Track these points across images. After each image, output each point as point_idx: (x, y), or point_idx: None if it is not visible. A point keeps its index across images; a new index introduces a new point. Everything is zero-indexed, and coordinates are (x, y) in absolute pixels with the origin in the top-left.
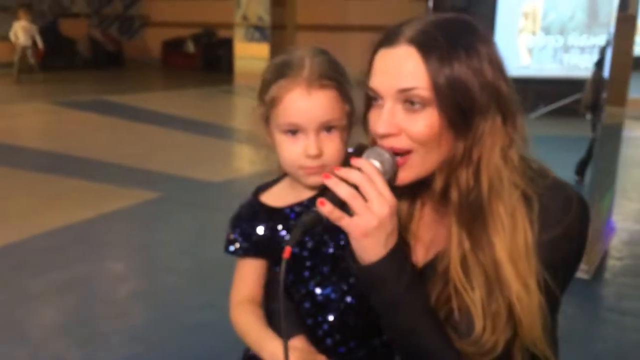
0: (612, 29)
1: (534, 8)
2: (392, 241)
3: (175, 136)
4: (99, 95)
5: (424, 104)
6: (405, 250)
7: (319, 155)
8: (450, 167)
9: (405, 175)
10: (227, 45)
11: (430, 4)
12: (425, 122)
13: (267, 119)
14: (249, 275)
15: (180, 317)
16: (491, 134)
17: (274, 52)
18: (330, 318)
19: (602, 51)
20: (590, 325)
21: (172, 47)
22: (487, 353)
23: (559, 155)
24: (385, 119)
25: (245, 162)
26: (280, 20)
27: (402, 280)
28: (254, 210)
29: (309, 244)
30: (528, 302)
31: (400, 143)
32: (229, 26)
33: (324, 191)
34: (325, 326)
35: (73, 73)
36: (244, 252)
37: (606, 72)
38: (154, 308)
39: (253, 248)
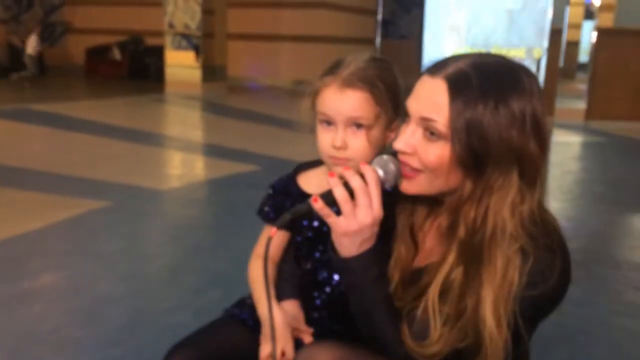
0: (545, 42)
1: (458, 23)
2: (366, 245)
3: (112, 145)
4: (23, 104)
5: (440, 136)
6: (405, 252)
7: (343, 148)
8: (458, 202)
9: (410, 188)
10: (156, 53)
11: (380, 17)
12: (437, 152)
13: (313, 107)
14: (274, 240)
15: (152, 321)
16: (503, 187)
17: (204, 60)
18: (328, 290)
19: (537, 64)
20: None
21: (97, 54)
22: (427, 357)
23: None
24: (405, 138)
25: (184, 169)
26: (209, 28)
27: (367, 276)
28: (289, 189)
29: (324, 228)
30: (497, 339)
31: (413, 162)
32: (157, 34)
33: (298, 199)
34: (318, 302)
35: None
36: (271, 222)
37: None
38: (124, 313)
39: (288, 225)
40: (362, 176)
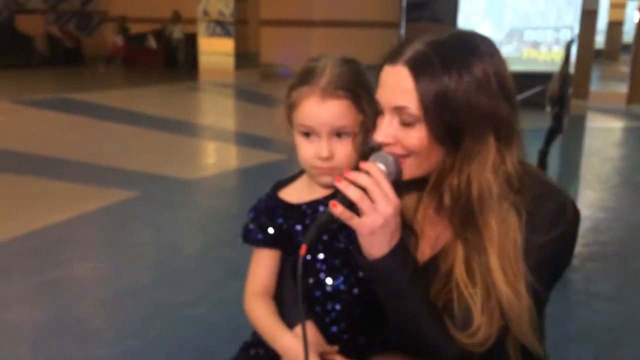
0: (576, 25)
1: (492, 6)
2: (395, 238)
3: (145, 134)
4: (60, 93)
5: (415, 120)
6: (408, 245)
7: (329, 158)
8: (440, 177)
9: (406, 173)
10: (191, 40)
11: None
12: (416, 135)
13: (289, 119)
14: (264, 264)
15: (173, 312)
16: (482, 152)
17: (238, 47)
18: (338, 307)
19: (568, 46)
20: (562, 308)
21: (133, 43)
22: (480, 345)
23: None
24: (383, 129)
25: (217, 159)
26: (242, 14)
27: (404, 273)
28: (272, 205)
29: (324, 237)
30: (517, 305)
31: (398, 150)
32: (191, 21)
33: (336, 193)
34: (333, 314)
35: (31, 71)
36: (260, 243)
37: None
38: (146, 304)
39: (269, 240)
40: (366, 173)
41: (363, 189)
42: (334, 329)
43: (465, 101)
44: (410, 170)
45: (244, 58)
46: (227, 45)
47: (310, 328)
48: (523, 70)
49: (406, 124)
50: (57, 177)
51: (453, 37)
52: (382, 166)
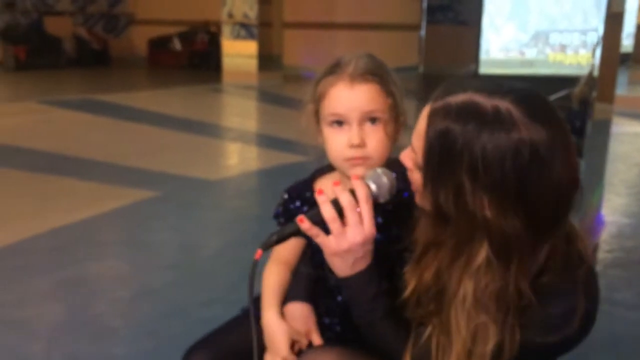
0: (600, 27)
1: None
2: (360, 265)
3: (169, 135)
4: (87, 94)
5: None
6: (374, 273)
7: (361, 145)
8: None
9: (423, 201)
10: (214, 43)
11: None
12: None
13: (316, 115)
14: (290, 244)
15: (188, 313)
16: (468, 253)
17: (261, 49)
18: (339, 299)
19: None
20: None
21: (158, 45)
22: None
23: None
24: (408, 154)
25: (239, 160)
26: (266, 17)
27: (363, 295)
28: (305, 194)
29: None
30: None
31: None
32: (216, 24)
33: (313, 205)
34: (330, 308)
35: (59, 72)
36: (266, 248)
37: (595, 71)
38: (162, 304)
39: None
40: (353, 192)
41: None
42: (326, 320)
43: (461, 198)
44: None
45: (268, 60)
46: (250, 47)
47: (303, 308)
48: (549, 73)
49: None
50: (80, 176)
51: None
52: (373, 186)
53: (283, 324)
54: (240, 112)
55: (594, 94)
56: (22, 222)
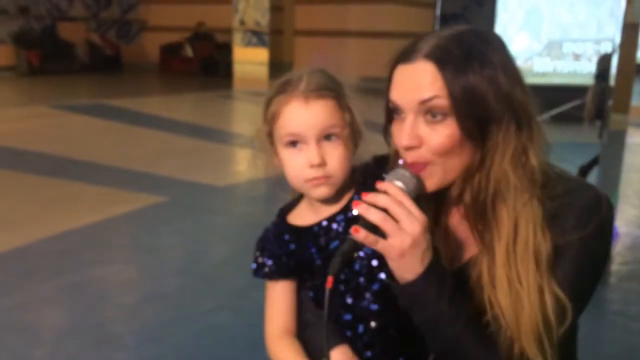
0: (617, 37)
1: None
2: (428, 257)
3: (178, 141)
4: (98, 99)
5: (445, 114)
6: (442, 263)
7: (322, 164)
8: (467, 174)
9: (430, 184)
10: (225, 49)
11: (438, 11)
12: (446, 132)
13: (270, 136)
14: (281, 300)
15: (193, 319)
16: (504, 141)
17: (272, 57)
18: (371, 326)
19: (602, 61)
20: (598, 330)
21: (170, 51)
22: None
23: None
24: (408, 131)
25: (247, 166)
26: (278, 25)
27: (443, 294)
28: (282, 231)
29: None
30: (516, 311)
31: (422, 156)
32: (227, 31)
33: (355, 218)
34: (366, 338)
35: (71, 77)
36: (275, 275)
37: (611, 80)
38: (166, 310)
39: (284, 269)
40: (385, 193)
41: (385, 210)
42: (368, 353)
43: (490, 92)
44: (437, 177)
45: (278, 68)
46: (261, 54)
47: (345, 351)
48: (561, 83)
49: (432, 121)
50: (89, 180)
51: (467, 31)
52: (399, 184)
53: None
54: (249, 118)
55: (610, 103)
56: (28, 225)
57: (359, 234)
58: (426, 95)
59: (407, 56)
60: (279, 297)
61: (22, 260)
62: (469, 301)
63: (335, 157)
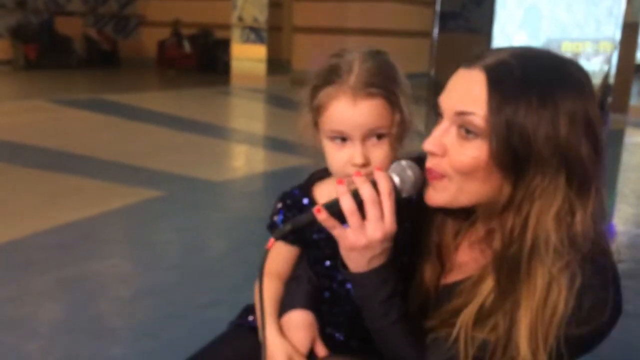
0: (617, 36)
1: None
2: (377, 262)
3: (176, 136)
4: (96, 94)
5: (477, 133)
6: (391, 271)
7: (365, 164)
8: (494, 209)
9: (436, 197)
10: (224, 46)
11: (438, 7)
12: (473, 153)
13: (315, 124)
14: (282, 255)
15: (189, 314)
16: (548, 193)
17: (270, 53)
18: (346, 309)
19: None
20: None
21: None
22: None
23: None
24: (436, 136)
25: (244, 161)
26: (276, 21)
27: (377, 296)
28: (302, 202)
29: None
30: None
31: (441, 166)
32: (226, 27)
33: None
34: (341, 318)
35: (69, 71)
36: (282, 239)
37: (610, 79)
38: (163, 305)
39: (292, 236)
40: (374, 184)
41: (361, 202)
42: (328, 330)
43: (540, 132)
44: (448, 193)
45: (276, 64)
46: (259, 51)
47: (305, 315)
48: None
49: (464, 136)
50: (86, 174)
51: (546, 57)
52: (396, 179)
53: (285, 343)
54: (247, 114)
55: (609, 100)
56: (26, 218)
57: (320, 214)
58: (465, 107)
59: (470, 61)
60: (282, 253)
61: (18, 253)
62: (438, 313)
63: (380, 156)
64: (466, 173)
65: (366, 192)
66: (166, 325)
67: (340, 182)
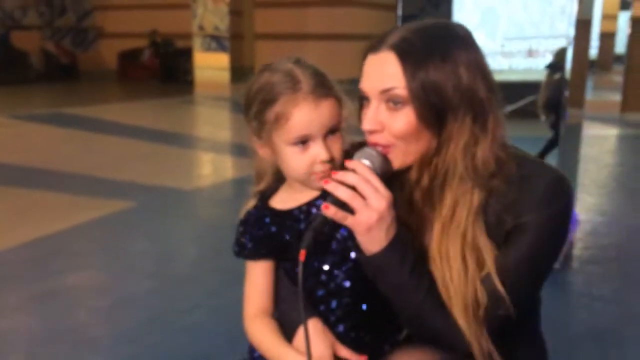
0: (571, 33)
1: (486, 18)
2: (392, 231)
3: (140, 146)
4: (55, 108)
5: (403, 102)
6: (406, 237)
7: (331, 159)
8: (425, 158)
9: (394, 163)
10: (185, 55)
11: (400, 12)
12: (404, 119)
13: (262, 135)
14: (260, 281)
15: (169, 320)
16: (458, 132)
17: (233, 61)
18: (343, 303)
19: (558, 54)
20: (563, 311)
21: (129, 58)
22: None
23: None
24: (370, 117)
25: (212, 169)
26: (238, 29)
27: (405, 265)
28: (263, 215)
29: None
30: (443, 280)
31: (384, 139)
32: (186, 36)
33: (325, 195)
34: (338, 312)
35: (27, 86)
36: (255, 255)
37: (567, 74)
38: (141, 312)
39: (264, 250)
40: (353, 172)
41: (353, 188)
42: (340, 327)
43: (448, 85)
44: (398, 158)
45: (239, 72)
46: (222, 59)
47: (317, 324)
48: (517, 79)
49: (393, 108)
50: (52, 188)
51: (434, 25)
52: (367, 162)
53: (324, 339)
54: (212, 122)
55: (566, 94)
56: None
57: (329, 210)
58: (387, 85)
59: (375, 46)
60: (258, 277)
61: None
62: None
63: (338, 150)
64: (404, 138)
65: (351, 177)
66: (145, 331)
67: (326, 181)
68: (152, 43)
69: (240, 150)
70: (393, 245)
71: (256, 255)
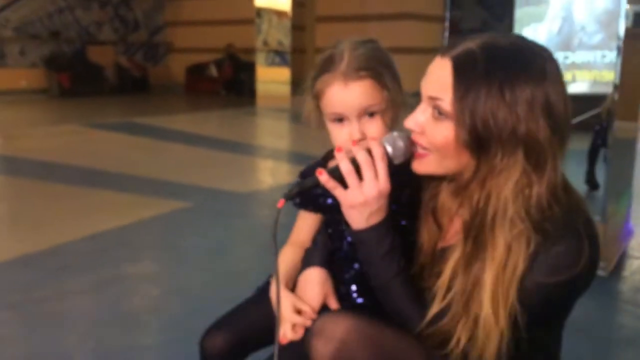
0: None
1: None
2: (375, 219)
3: (202, 153)
4: (127, 118)
5: (446, 116)
6: (389, 227)
7: (362, 139)
8: (461, 182)
9: (419, 167)
10: (249, 69)
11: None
12: (443, 132)
13: (318, 109)
14: (304, 224)
15: (214, 309)
16: (507, 168)
17: (294, 75)
18: (356, 266)
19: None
20: (607, 316)
21: (195, 72)
22: (437, 344)
23: (574, 168)
24: (414, 117)
25: (268, 175)
26: (300, 44)
27: (379, 250)
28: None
29: None
30: (491, 328)
31: (423, 141)
32: (251, 51)
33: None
34: (346, 276)
35: (101, 98)
36: (301, 206)
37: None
38: (190, 302)
39: (310, 204)
40: (369, 151)
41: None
42: (343, 288)
43: (499, 118)
44: (429, 166)
45: (300, 85)
46: (284, 73)
47: (321, 273)
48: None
49: (437, 117)
50: (118, 188)
51: (511, 45)
52: (389, 148)
53: (290, 296)
54: (272, 132)
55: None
56: (63, 228)
57: (322, 176)
58: (435, 93)
59: (444, 50)
60: (306, 221)
61: (58, 257)
62: (432, 272)
63: (375, 131)
64: (440, 150)
65: (361, 156)
66: (192, 319)
67: (339, 150)
68: (229, 56)
69: (298, 158)
70: (370, 230)
71: (302, 206)
